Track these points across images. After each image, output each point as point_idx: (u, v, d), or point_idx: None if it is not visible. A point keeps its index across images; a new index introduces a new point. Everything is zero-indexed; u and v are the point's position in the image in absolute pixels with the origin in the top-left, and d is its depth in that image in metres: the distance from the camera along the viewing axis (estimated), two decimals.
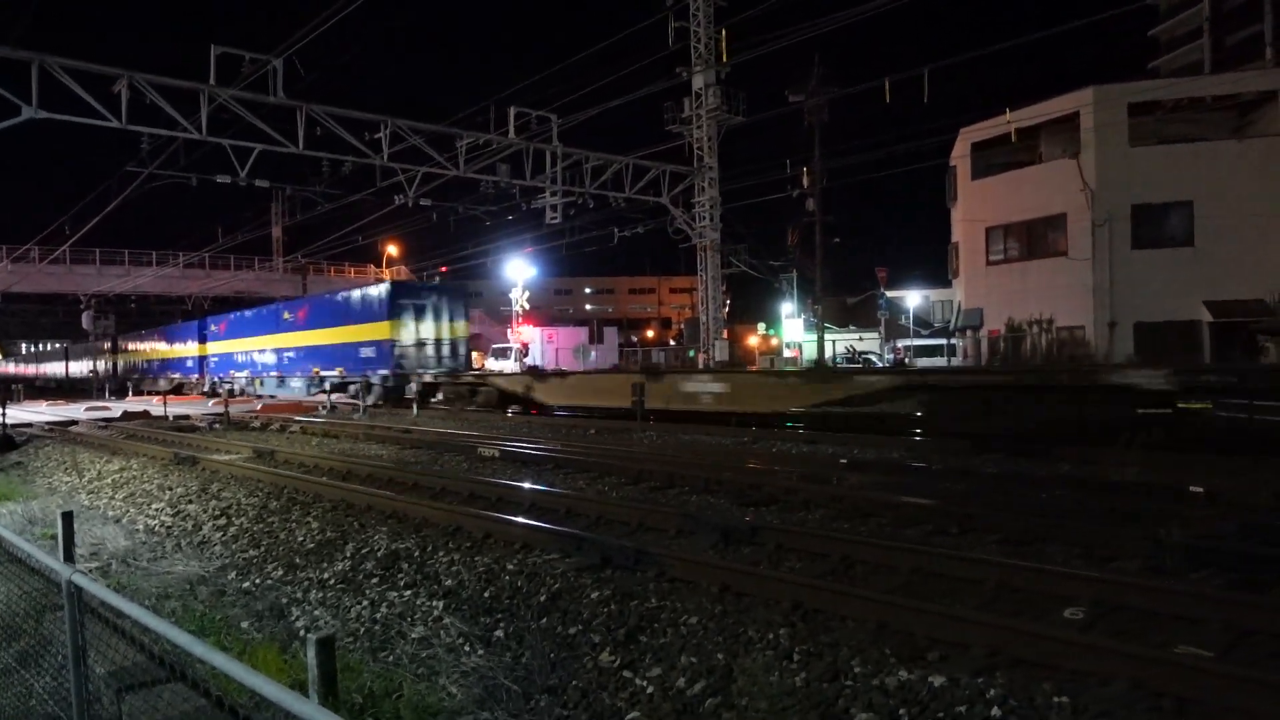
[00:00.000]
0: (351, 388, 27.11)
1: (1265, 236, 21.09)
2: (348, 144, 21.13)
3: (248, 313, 36.85)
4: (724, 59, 25.72)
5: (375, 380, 26.10)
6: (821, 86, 26.55)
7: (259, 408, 27.22)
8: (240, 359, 35.65)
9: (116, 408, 28.03)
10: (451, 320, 27.40)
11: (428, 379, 25.56)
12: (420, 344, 26.38)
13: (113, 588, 5.64)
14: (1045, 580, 5.21)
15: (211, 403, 29.07)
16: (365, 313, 26.92)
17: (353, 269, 57.28)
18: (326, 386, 27.88)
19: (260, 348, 33.74)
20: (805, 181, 27.60)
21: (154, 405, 28.34)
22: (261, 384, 33.76)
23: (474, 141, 23.00)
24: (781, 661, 4.23)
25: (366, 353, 26.64)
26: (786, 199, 28.44)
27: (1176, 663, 3.81)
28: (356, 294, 28.14)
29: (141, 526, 8.80)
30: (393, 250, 55.82)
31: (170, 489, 10.64)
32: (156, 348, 45.27)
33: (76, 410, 28.25)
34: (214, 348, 38.23)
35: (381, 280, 32.20)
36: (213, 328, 38.43)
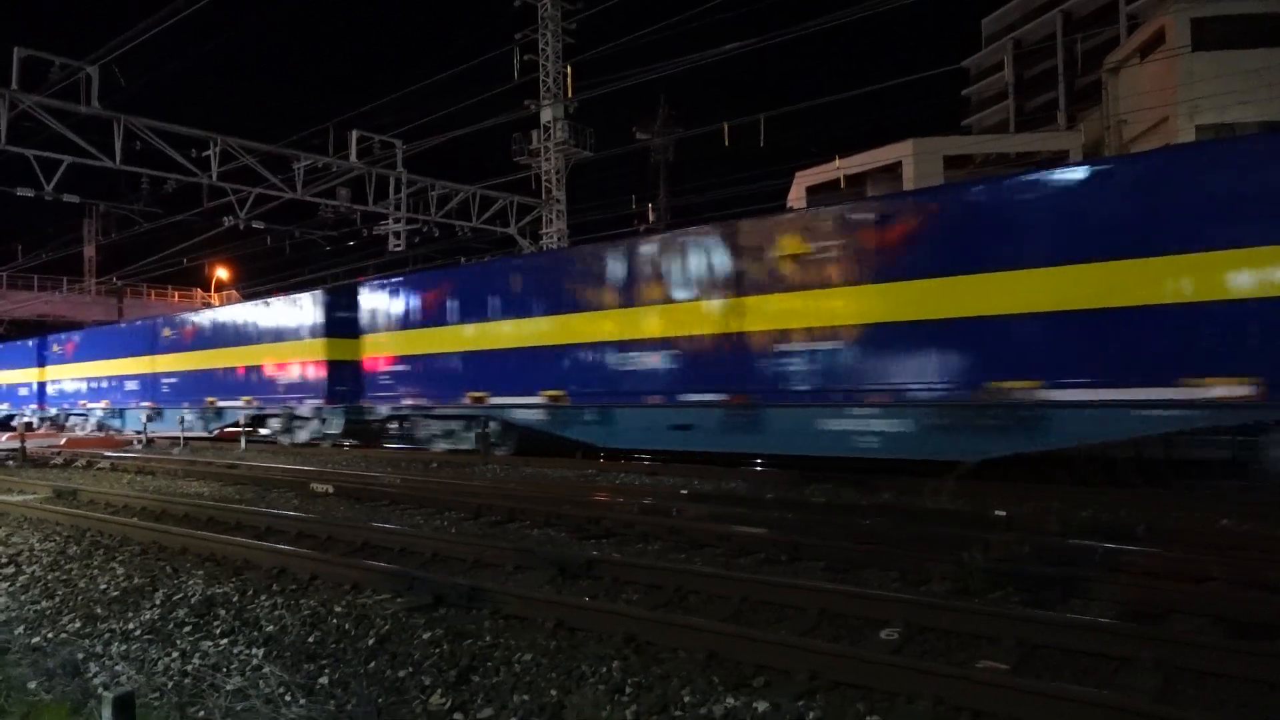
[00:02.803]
0: (273, 422, 22.31)
1: None
2: (172, 160, 19.90)
3: (112, 328, 31.45)
4: (570, 94, 26.11)
5: (304, 411, 20.74)
6: (666, 126, 27.44)
7: (63, 441, 24.88)
8: (96, 387, 29.54)
9: None
10: None
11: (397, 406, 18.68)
12: None
13: None
14: (864, 604, 5.50)
15: (5, 436, 26.33)
16: (288, 329, 21.21)
17: (177, 293, 53.75)
18: (236, 420, 22.93)
19: (127, 373, 27.65)
20: (651, 216, 28.33)
21: None
22: (124, 418, 27.94)
23: (312, 164, 22.18)
24: (613, 695, 4.25)
25: (289, 378, 21.17)
26: (634, 233, 29.07)
27: (975, 679, 4.10)
28: (275, 304, 22.26)
29: None
30: (223, 274, 52.81)
31: None
32: None
33: None
34: (57, 372, 31.91)
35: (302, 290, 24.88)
36: (55, 348, 32.09)
